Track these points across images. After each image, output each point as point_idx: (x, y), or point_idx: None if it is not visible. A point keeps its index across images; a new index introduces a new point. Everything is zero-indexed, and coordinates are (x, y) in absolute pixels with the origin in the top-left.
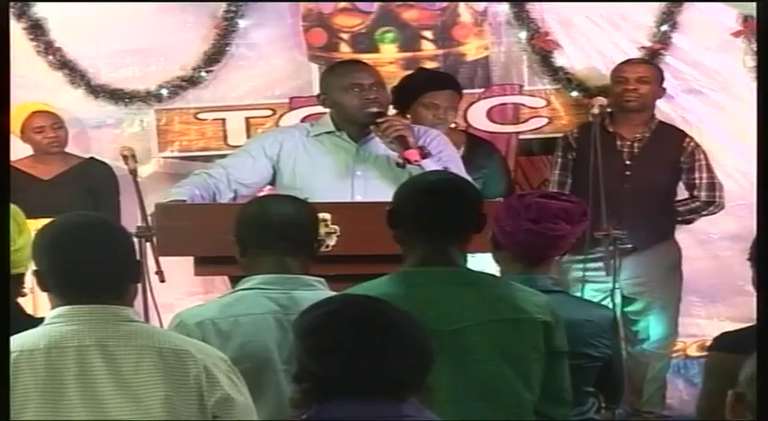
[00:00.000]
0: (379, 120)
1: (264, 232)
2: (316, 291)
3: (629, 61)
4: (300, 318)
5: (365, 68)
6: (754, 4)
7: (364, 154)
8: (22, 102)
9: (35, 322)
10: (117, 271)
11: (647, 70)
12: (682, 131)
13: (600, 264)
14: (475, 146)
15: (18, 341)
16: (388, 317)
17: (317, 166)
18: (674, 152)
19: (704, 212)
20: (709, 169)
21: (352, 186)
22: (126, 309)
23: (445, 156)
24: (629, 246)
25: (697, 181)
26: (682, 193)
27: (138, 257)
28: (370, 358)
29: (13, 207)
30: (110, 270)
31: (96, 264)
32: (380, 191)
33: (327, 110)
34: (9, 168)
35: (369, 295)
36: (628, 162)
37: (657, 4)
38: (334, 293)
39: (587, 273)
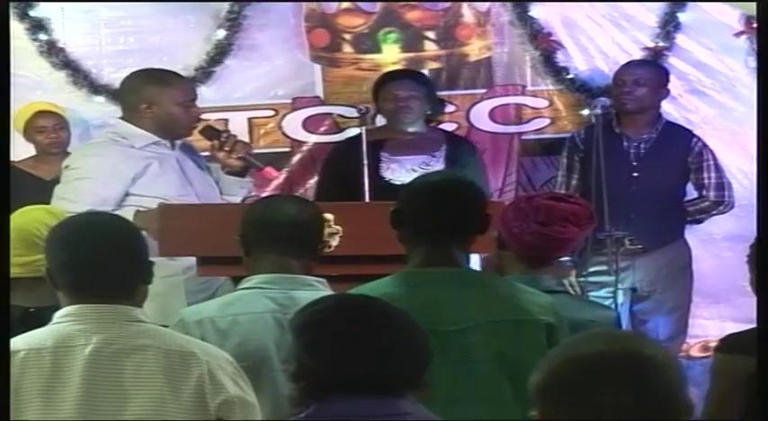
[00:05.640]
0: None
1: (266, 232)
2: (315, 290)
3: (628, 63)
4: (297, 316)
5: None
6: (754, 4)
7: None
8: (27, 101)
9: None
10: (127, 271)
11: (645, 72)
12: (689, 131)
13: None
14: (455, 144)
15: (25, 339)
16: (384, 314)
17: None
18: (681, 152)
19: (714, 212)
20: (718, 169)
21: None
22: (134, 309)
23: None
24: (639, 246)
25: (706, 181)
26: (691, 193)
27: (150, 258)
28: (366, 355)
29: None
30: (119, 269)
31: (106, 263)
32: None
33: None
34: (9, 168)
35: (364, 294)
36: (635, 163)
37: (660, 4)
38: (332, 293)
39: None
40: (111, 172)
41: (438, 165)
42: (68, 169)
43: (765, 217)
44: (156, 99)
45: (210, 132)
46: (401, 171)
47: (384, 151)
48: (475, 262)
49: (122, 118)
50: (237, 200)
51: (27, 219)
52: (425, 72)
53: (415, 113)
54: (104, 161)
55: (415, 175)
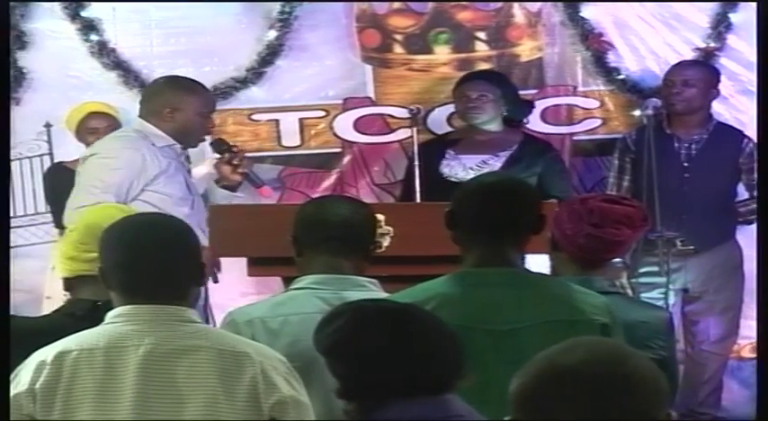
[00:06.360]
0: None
1: (318, 232)
2: (367, 291)
3: (677, 64)
4: (322, 338)
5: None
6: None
7: None
8: (79, 102)
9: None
10: (180, 272)
11: (694, 73)
12: (740, 132)
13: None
14: (528, 145)
15: (78, 339)
16: (414, 317)
17: None
18: (732, 153)
19: None
20: None
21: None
22: (187, 309)
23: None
24: (691, 247)
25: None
26: (742, 194)
27: (203, 260)
28: (409, 357)
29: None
30: (173, 270)
31: (159, 264)
32: None
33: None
34: (9, 168)
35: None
36: (686, 164)
37: (712, 4)
38: (384, 294)
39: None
40: (141, 166)
41: (497, 164)
42: (99, 157)
43: (765, 217)
44: (180, 105)
45: (220, 146)
46: (458, 168)
47: (451, 149)
48: (536, 262)
49: (142, 118)
50: None
51: (100, 215)
52: None
53: (486, 113)
54: (137, 155)
55: (471, 174)
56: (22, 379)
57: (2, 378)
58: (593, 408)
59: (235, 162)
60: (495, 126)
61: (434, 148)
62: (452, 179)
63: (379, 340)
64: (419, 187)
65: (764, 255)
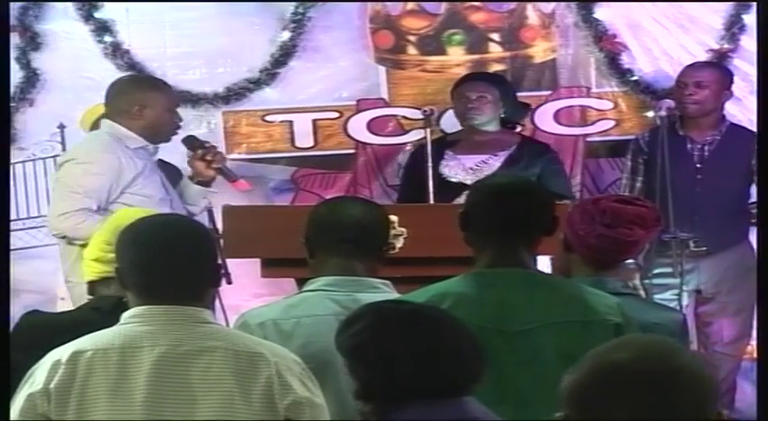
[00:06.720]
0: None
1: (331, 234)
2: (380, 293)
3: (690, 66)
4: (344, 339)
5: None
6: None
7: None
8: (93, 103)
9: None
10: (196, 272)
11: (707, 74)
12: (753, 133)
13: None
14: (526, 145)
15: (93, 339)
16: (435, 318)
17: None
18: (745, 154)
19: None
20: None
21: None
22: (203, 310)
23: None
24: (704, 248)
25: None
26: (756, 195)
27: (220, 261)
28: (429, 359)
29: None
30: (189, 271)
31: (175, 264)
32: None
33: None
34: (9, 168)
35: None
36: (699, 165)
37: (726, 5)
38: (397, 295)
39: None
40: (119, 169)
41: (496, 164)
42: (76, 163)
43: (765, 217)
44: (148, 102)
45: (192, 142)
46: (458, 169)
47: (450, 149)
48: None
49: (110, 120)
50: (197, 209)
51: (128, 217)
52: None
53: (484, 114)
54: (114, 158)
55: (471, 174)
56: (37, 378)
57: (2, 378)
58: (644, 405)
59: (208, 158)
60: (493, 127)
61: (432, 149)
62: (452, 180)
63: (401, 342)
64: (432, 189)
65: (764, 254)
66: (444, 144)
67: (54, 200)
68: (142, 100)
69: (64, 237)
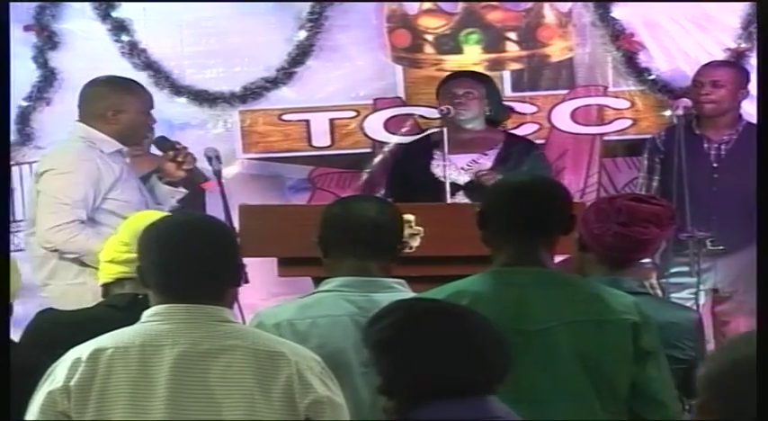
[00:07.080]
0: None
1: (345, 234)
2: (395, 292)
3: (706, 65)
4: (372, 333)
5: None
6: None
7: None
8: None
9: None
10: (218, 272)
11: (724, 73)
12: None
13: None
14: (512, 144)
15: (114, 337)
16: (462, 316)
17: None
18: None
19: None
20: None
21: None
22: (223, 309)
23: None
24: (721, 247)
25: None
26: None
27: (241, 260)
28: (454, 358)
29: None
30: (210, 270)
31: (197, 263)
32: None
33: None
34: (9, 168)
35: (432, 296)
36: (715, 164)
37: (743, 5)
38: (412, 294)
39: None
40: (98, 176)
41: (487, 163)
42: (56, 173)
43: (765, 218)
44: (122, 106)
45: (164, 143)
46: (450, 168)
47: (438, 149)
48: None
49: (83, 123)
50: (166, 209)
51: (146, 219)
52: (506, 73)
53: (470, 111)
54: (92, 165)
55: (464, 174)
56: (58, 376)
57: (2, 378)
58: None
59: (179, 159)
60: (478, 125)
61: (420, 148)
62: (444, 180)
63: (430, 339)
64: (449, 189)
65: (764, 254)
66: (430, 143)
67: (42, 213)
68: (117, 104)
69: (56, 251)
